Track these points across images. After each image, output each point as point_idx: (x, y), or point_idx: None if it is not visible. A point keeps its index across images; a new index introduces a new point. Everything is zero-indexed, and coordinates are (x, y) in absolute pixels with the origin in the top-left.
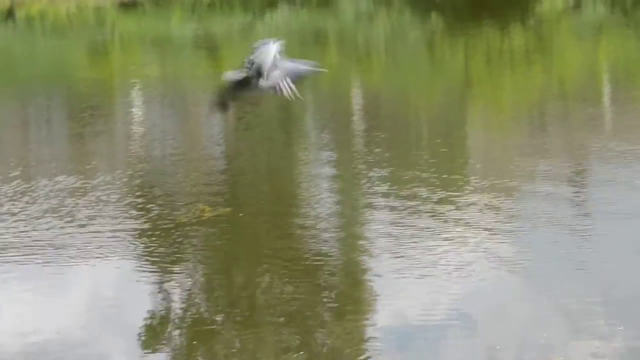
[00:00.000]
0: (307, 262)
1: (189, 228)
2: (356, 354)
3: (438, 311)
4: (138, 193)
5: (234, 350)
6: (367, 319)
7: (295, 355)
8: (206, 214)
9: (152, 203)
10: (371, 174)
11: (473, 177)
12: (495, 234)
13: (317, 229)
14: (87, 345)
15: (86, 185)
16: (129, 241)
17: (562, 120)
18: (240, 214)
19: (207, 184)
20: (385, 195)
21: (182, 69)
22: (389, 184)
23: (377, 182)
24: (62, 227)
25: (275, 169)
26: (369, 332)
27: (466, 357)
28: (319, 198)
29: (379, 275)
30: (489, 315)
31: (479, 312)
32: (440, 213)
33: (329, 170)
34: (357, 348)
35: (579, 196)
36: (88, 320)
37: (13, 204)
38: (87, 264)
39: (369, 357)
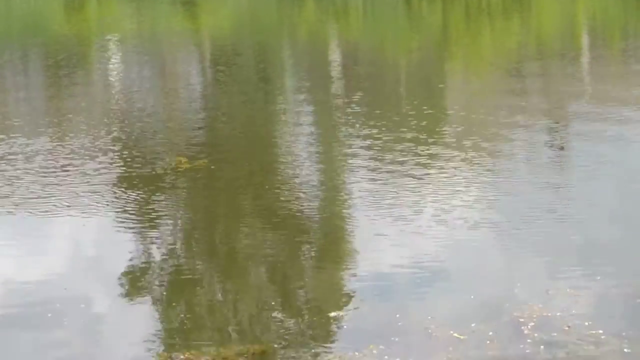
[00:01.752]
0: (287, 214)
1: (166, 179)
2: (336, 304)
3: (417, 263)
4: (115, 146)
5: (215, 300)
6: (347, 270)
7: (275, 306)
8: (183, 165)
9: (130, 155)
10: (350, 129)
11: (452, 132)
12: (474, 188)
13: (296, 182)
14: (69, 291)
15: (64, 138)
16: (107, 193)
17: (540, 77)
18: (212, 167)
19: (184, 137)
20: (365, 149)
21: (159, 24)
22: (369, 139)
23: (356, 137)
24: (43, 179)
25: (254, 123)
26: (349, 283)
27: (444, 307)
28: (298, 152)
29: (359, 227)
30: (467, 266)
31: (458, 264)
32: (420, 167)
33: (307, 126)
34: (337, 298)
35: (555, 151)
36: (70, 268)
37: None
38: (67, 216)
39: (349, 307)
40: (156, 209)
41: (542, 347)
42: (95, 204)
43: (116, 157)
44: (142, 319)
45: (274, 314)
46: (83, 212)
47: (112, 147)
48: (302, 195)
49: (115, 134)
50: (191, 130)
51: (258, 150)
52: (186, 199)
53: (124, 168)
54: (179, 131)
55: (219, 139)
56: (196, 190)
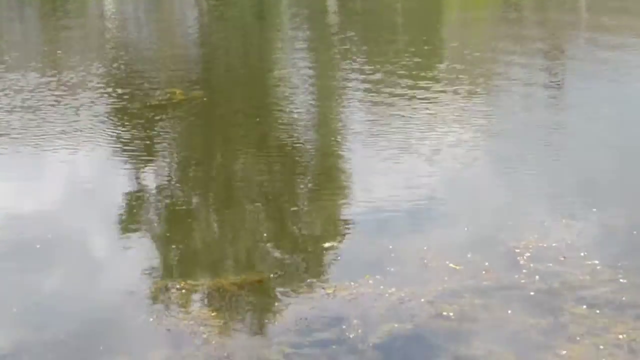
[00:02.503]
0: (282, 146)
1: (161, 110)
2: (332, 235)
3: (413, 196)
4: (110, 78)
5: (211, 232)
6: (343, 202)
7: (271, 237)
8: (177, 97)
9: (125, 88)
10: (346, 63)
11: (449, 67)
12: (471, 123)
13: (291, 116)
14: (65, 223)
15: (59, 70)
16: (103, 124)
17: (537, 11)
18: (205, 99)
19: (179, 70)
20: (362, 82)
21: None
22: (365, 74)
23: (351, 71)
24: (41, 113)
25: (249, 58)
26: (345, 214)
27: (440, 238)
28: (294, 87)
29: (355, 160)
30: (464, 199)
31: (454, 197)
32: (416, 99)
33: (302, 60)
34: (333, 230)
35: (552, 86)
36: (66, 201)
37: None
38: (62, 149)
39: (345, 239)
40: (151, 140)
41: (537, 277)
42: (89, 136)
43: (110, 89)
44: (138, 250)
45: (271, 245)
46: (77, 145)
47: (106, 80)
48: (297, 129)
49: (109, 66)
50: (186, 64)
51: (253, 85)
52: (181, 130)
53: (118, 100)
54: (173, 64)
55: (214, 73)
56: (191, 122)
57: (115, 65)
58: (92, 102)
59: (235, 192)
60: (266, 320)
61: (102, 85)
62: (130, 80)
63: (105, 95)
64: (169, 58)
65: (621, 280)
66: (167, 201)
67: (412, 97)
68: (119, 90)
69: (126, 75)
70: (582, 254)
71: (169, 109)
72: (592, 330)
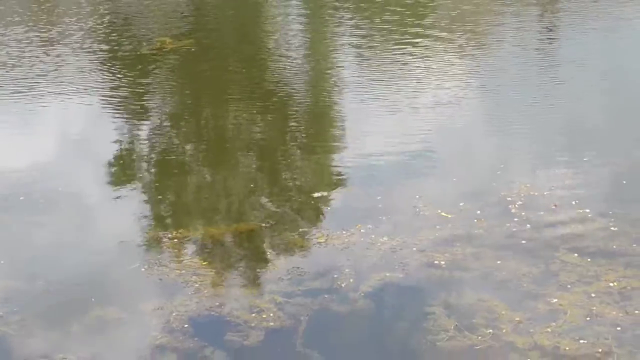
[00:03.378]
0: (275, 98)
1: (152, 60)
2: (325, 186)
3: (405, 146)
4: (103, 31)
5: (204, 183)
6: (335, 154)
7: (264, 188)
8: (167, 46)
9: (115, 37)
10: (340, 14)
11: (441, 18)
12: (462, 73)
13: (285, 66)
14: (56, 175)
15: (52, 25)
16: (94, 75)
17: None
18: (193, 49)
19: (170, 22)
20: (354, 35)
21: None
22: (357, 27)
23: (345, 23)
24: (30, 66)
25: (241, 9)
26: (338, 165)
27: (433, 188)
28: (286, 39)
29: (348, 113)
30: (456, 149)
31: (447, 147)
32: (410, 52)
33: (295, 16)
34: (325, 181)
35: (544, 38)
36: (56, 152)
37: None
38: (54, 99)
39: (337, 189)
40: (142, 90)
41: (528, 225)
42: (79, 87)
43: (100, 38)
44: (130, 201)
45: (262, 196)
46: (68, 96)
47: (96, 31)
48: (290, 81)
49: (100, 16)
50: (176, 16)
51: (245, 37)
52: (171, 80)
53: (108, 48)
54: (164, 16)
55: (205, 25)
56: (182, 72)
57: (105, 14)
58: (82, 53)
59: (227, 143)
60: (258, 270)
61: (92, 34)
62: (121, 30)
63: (95, 45)
64: (159, 9)
65: (612, 228)
66: (159, 152)
67: (404, 52)
68: (110, 39)
69: (116, 25)
70: (573, 203)
71: (159, 58)
72: (583, 278)
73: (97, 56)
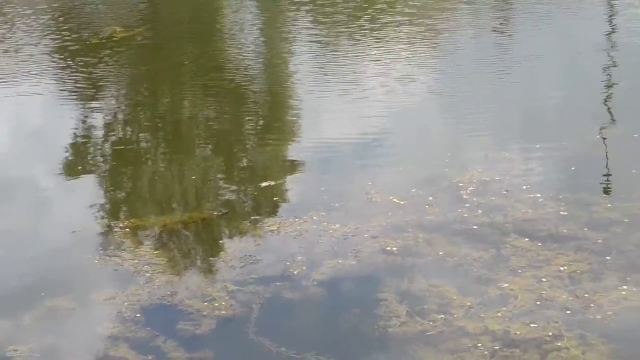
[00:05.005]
0: (230, 87)
1: (103, 48)
2: (279, 174)
3: (359, 132)
4: (55, 20)
5: (157, 170)
6: (289, 140)
7: (218, 176)
8: (119, 35)
9: (65, 25)
10: (296, 5)
11: (396, 6)
12: (417, 60)
13: (241, 56)
14: (8, 165)
15: (5, 12)
16: (48, 65)
17: None
18: (140, 38)
19: (122, 10)
20: (310, 22)
21: None
22: (314, 13)
23: (302, 14)
24: None
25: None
26: (292, 153)
27: (386, 174)
28: (242, 27)
29: (303, 100)
30: (410, 135)
31: (400, 133)
32: (364, 38)
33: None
34: (280, 169)
35: (500, 25)
36: (8, 143)
37: None
38: (3, 89)
39: (291, 177)
40: (94, 79)
41: (480, 211)
42: (29, 77)
43: (50, 27)
44: (83, 191)
45: (216, 184)
46: (18, 86)
47: (44, 17)
48: (245, 68)
49: (48, 6)
50: (130, 7)
51: (200, 25)
52: (124, 68)
53: (58, 37)
54: (116, 5)
55: (158, 15)
56: (134, 60)
57: (59, 5)
58: (32, 41)
59: (181, 132)
60: (211, 258)
61: (41, 23)
62: (71, 19)
63: (52, 35)
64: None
65: (562, 212)
66: (111, 141)
67: (360, 38)
68: (60, 28)
69: (66, 13)
70: (524, 187)
71: (110, 47)
72: (534, 262)
73: (46, 45)
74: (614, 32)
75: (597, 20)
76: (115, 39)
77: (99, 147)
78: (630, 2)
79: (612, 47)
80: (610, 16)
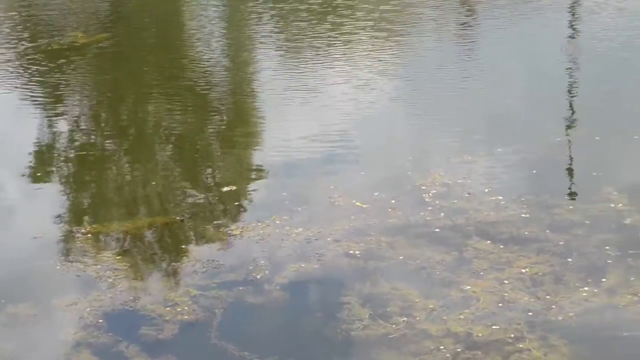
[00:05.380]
0: (194, 93)
1: (64, 54)
2: (242, 178)
3: (323, 137)
4: (19, 26)
5: (120, 175)
6: (253, 145)
7: (182, 182)
8: (80, 41)
9: (25, 31)
10: (261, 9)
11: (361, 10)
12: (380, 63)
13: (204, 62)
14: None
15: None
16: (6, 72)
17: None
18: (101, 44)
19: (84, 15)
20: (274, 25)
21: None
22: (277, 17)
23: (264, 16)
24: None
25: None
26: (255, 156)
27: (349, 178)
28: (206, 34)
29: (267, 104)
30: (373, 139)
31: (364, 137)
32: (328, 44)
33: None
34: (243, 173)
35: (462, 29)
36: None
37: None
38: None
39: (254, 182)
40: (55, 85)
41: (442, 214)
42: None
43: (10, 33)
44: (45, 197)
45: (179, 189)
46: None
47: (12, 27)
48: (208, 74)
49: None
50: (91, 9)
51: (163, 31)
52: (86, 74)
53: (18, 43)
54: (77, 9)
55: (121, 20)
56: (96, 66)
57: (24, 13)
58: None
59: (145, 137)
60: (173, 263)
61: (9, 32)
62: (32, 24)
63: (14, 40)
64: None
65: (524, 215)
66: (74, 147)
67: (323, 44)
68: (20, 34)
69: (26, 19)
70: (486, 190)
71: (72, 53)
72: (496, 265)
73: (3, 53)
74: (576, 37)
75: (559, 25)
76: (76, 45)
77: (61, 153)
78: (591, 7)
79: (573, 52)
80: (572, 21)
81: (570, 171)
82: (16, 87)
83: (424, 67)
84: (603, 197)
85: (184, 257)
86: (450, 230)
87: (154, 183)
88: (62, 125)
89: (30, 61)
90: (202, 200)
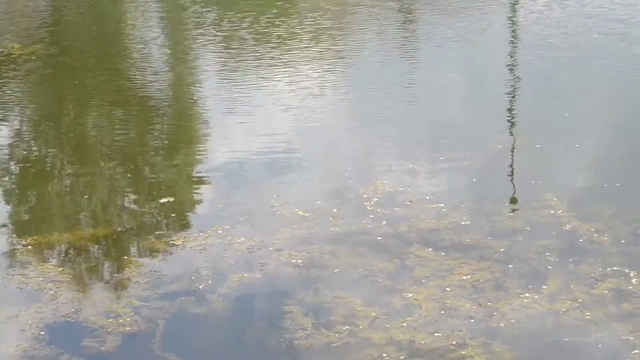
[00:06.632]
0: (136, 104)
1: (4, 66)
2: (183, 187)
3: (266, 146)
4: None
5: (61, 186)
6: (195, 155)
7: (125, 192)
8: (17, 52)
9: None
10: (203, 18)
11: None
12: (326, 73)
13: (147, 73)
14: None
15: None
16: None
17: None
18: (39, 55)
19: (21, 25)
20: (218, 34)
21: None
22: (217, 21)
23: (204, 20)
24: None
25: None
26: (197, 166)
27: (291, 187)
28: (149, 44)
29: (212, 113)
30: (316, 148)
31: (307, 146)
32: (272, 54)
33: (156, 12)
34: (186, 183)
35: (407, 42)
36: None
37: None
38: None
39: (197, 192)
40: None
41: (384, 222)
42: None
43: None
44: None
45: (122, 200)
46: None
47: None
48: (151, 85)
49: None
50: (29, 20)
51: (105, 41)
52: (24, 86)
53: None
54: (15, 20)
55: (60, 30)
56: (34, 77)
57: None
58: None
59: (86, 149)
60: (115, 274)
61: None
62: None
63: None
64: (18, 16)
65: (464, 222)
66: (15, 159)
67: (268, 54)
68: None
69: None
70: (427, 198)
71: (8, 65)
72: (438, 272)
73: None
74: (517, 51)
75: (501, 39)
76: (13, 56)
77: (2, 165)
78: (533, 20)
79: (514, 65)
80: (513, 36)
81: (510, 178)
82: None
83: (367, 79)
84: (543, 203)
85: (126, 268)
86: (392, 238)
87: (97, 194)
88: (1, 138)
89: None
90: (144, 211)
